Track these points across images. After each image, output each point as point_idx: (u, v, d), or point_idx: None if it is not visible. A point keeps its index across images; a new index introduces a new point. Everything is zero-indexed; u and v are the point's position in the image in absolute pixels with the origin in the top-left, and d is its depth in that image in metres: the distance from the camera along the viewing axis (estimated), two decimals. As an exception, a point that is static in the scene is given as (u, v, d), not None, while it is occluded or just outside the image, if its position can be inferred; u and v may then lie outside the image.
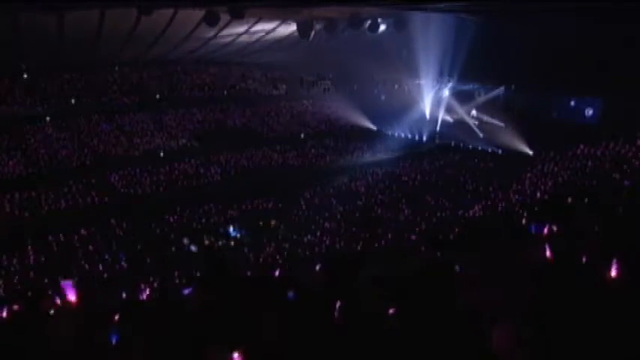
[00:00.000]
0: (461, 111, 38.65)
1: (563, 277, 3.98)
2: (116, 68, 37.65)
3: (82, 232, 21.32)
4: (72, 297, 4.56)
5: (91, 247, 19.79)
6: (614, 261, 3.47)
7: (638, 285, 3.35)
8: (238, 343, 3.48)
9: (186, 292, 5.89)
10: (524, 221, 11.22)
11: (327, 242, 19.85)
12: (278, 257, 18.14)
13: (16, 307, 6.43)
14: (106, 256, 18.92)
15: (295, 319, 4.13)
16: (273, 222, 23.22)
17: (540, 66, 28.48)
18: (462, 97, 38.72)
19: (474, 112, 38.06)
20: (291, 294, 5.33)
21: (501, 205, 21.21)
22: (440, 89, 39.93)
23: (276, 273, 8.81)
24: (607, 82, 26.76)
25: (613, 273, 3.48)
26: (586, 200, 13.09)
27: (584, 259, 4.45)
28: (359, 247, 18.07)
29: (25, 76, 34.05)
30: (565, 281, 3.85)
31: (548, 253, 4.85)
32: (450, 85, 39.20)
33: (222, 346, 3.49)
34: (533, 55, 27.69)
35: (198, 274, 13.50)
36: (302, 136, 38.05)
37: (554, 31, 24.24)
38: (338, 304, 3.53)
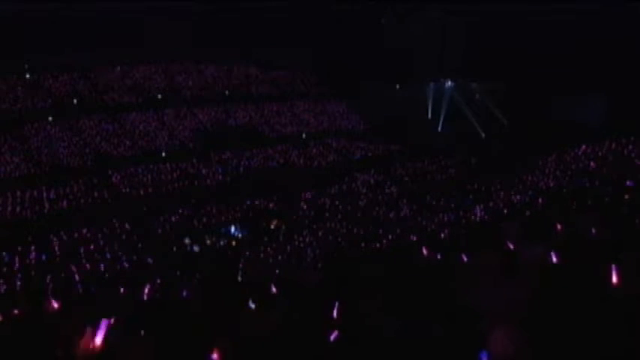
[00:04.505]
0: (463, 110, 38.64)
1: (565, 279, 3.97)
2: (118, 68, 37.75)
3: (84, 231, 21.37)
4: (98, 339, 3.92)
5: (92, 247, 19.83)
6: (614, 267, 3.45)
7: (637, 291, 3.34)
8: (219, 342, 3.49)
9: (184, 293, 5.82)
10: (525, 222, 11.18)
11: (328, 242, 19.83)
12: (279, 257, 18.14)
13: (16, 311, 6.43)
14: (108, 256, 18.94)
15: (289, 321, 4.14)
16: (274, 222, 23.23)
17: (541, 65, 28.47)
18: (463, 96, 38.69)
19: (475, 109, 38.04)
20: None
21: (503, 206, 21.15)
22: (441, 88, 39.94)
23: (275, 274, 8.80)
24: (609, 82, 26.73)
25: (614, 279, 3.46)
26: (588, 201, 13.05)
27: (585, 262, 4.44)
28: (360, 248, 18.05)
29: (28, 75, 34.17)
30: (566, 284, 3.84)
31: (550, 256, 4.84)
32: (451, 83, 39.19)
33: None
34: (533, 54, 27.69)
35: (199, 276, 13.50)
36: (303, 135, 38.08)
37: (554, 31, 24.24)
38: (336, 306, 3.52)
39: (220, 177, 30.14)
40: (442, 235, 16.22)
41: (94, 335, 3.80)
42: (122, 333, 4.45)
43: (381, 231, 20.28)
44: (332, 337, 3.40)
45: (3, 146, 28.63)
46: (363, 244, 18.19)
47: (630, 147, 24.93)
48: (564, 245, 5.26)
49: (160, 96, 37.24)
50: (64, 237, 20.74)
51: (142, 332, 4.67)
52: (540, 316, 3.25)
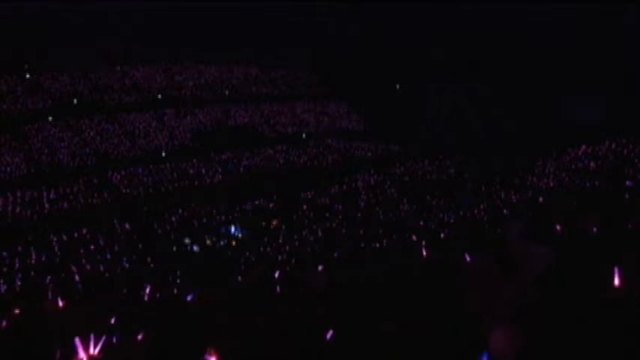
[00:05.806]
0: (463, 110, 38.62)
1: (565, 279, 3.97)
2: (118, 68, 37.77)
3: (84, 231, 21.37)
4: (81, 355, 3.87)
5: (92, 247, 19.83)
6: (617, 268, 3.44)
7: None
8: (215, 344, 3.49)
9: (189, 297, 5.81)
10: (525, 222, 11.16)
11: (329, 242, 19.81)
12: (279, 257, 18.12)
13: (17, 310, 6.43)
14: (108, 256, 18.94)
15: (288, 322, 4.13)
16: (274, 222, 23.22)
17: (541, 65, 28.49)
18: (462, 96, 38.67)
19: (475, 110, 38.05)
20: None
21: (503, 206, 21.15)
22: (441, 88, 39.92)
23: (277, 274, 8.79)
24: (610, 82, 26.74)
25: (616, 281, 3.45)
26: (588, 201, 13.05)
27: (586, 262, 4.44)
28: (360, 248, 18.03)
29: (28, 75, 34.18)
30: (566, 284, 3.84)
31: (551, 256, 4.83)
32: (451, 83, 39.18)
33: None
34: (533, 54, 27.70)
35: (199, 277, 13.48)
36: (303, 135, 38.07)
37: (554, 30, 24.26)
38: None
39: (221, 177, 30.15)
40: (442, 235, 16.21)
41: (76, 351, 3.78)
42: (120, 335, 4.45)
43: (381, 231, 20.27)
44: (328, 336, 3.40)
45: (3, 146, 28.63)
46: (362, 244, 18.17)
47: (630, 147, 24.93)
48: (564, 245, 5.26)
49: (159, 96, 37.23)
50: (64, 237, 20.73)
51: (141, 333, 4.66)
52: (541, 316, 3.24)
